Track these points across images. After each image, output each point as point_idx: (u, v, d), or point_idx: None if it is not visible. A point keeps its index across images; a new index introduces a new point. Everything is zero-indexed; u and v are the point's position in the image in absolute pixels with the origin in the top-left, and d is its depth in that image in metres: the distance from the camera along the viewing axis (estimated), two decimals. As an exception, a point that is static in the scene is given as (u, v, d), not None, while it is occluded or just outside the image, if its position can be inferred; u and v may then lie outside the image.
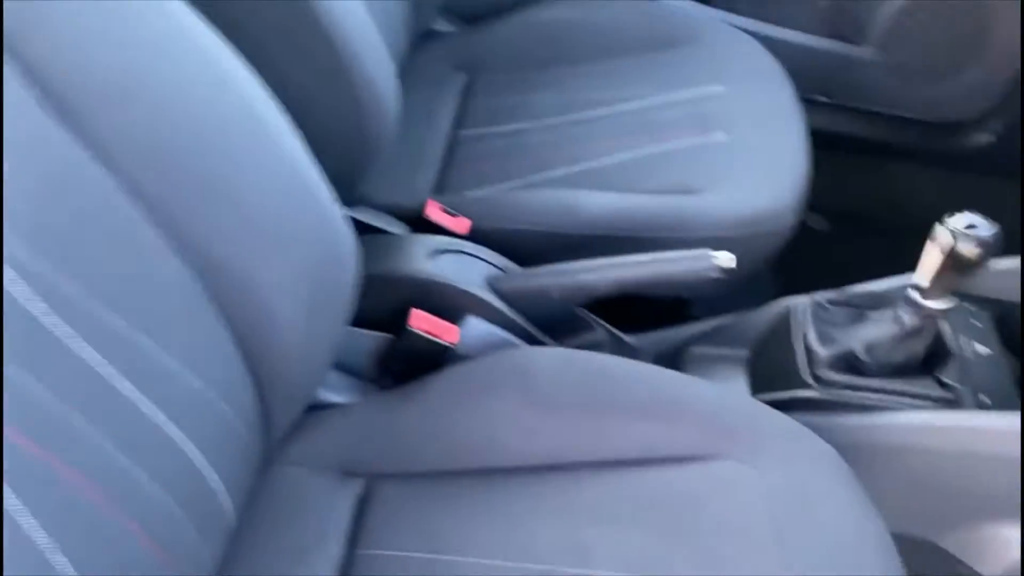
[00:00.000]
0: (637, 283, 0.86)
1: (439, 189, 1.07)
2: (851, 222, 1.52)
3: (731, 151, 1.07)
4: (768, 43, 1.33)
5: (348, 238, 0.68)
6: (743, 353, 0.99)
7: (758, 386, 0.94)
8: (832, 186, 1.50)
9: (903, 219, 1.47)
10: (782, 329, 0.94)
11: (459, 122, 1.19)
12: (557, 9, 1.32)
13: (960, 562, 0.93)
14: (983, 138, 1.47)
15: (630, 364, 0.81)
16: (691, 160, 1.07)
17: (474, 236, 0.95)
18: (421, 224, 0.96)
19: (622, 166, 1.07)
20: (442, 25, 1.35)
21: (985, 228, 0.78)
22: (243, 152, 0.58)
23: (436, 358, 0.82)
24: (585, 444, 0.75)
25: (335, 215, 0.67)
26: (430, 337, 0.81)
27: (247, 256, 0.58)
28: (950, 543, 0.93)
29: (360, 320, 0.83)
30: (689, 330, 1.03)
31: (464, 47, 1.31)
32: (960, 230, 0.78)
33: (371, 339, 0.84)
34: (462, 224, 0.96)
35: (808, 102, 1.45)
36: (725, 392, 0.84)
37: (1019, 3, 1.29)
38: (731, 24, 1.38)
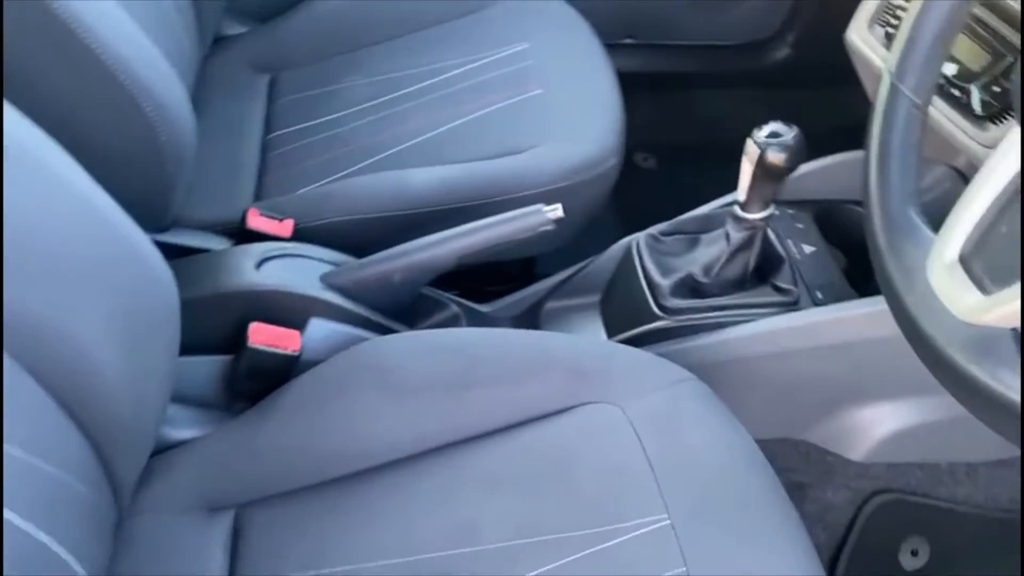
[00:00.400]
0: (476, 251, 0.85)
1: (260, 196, 1.02)
2: (676, 155, 1.57)
3: (548, 104, 1.07)
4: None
5: (159, 265, 0.64)
6: (594, 299, 1.00)
7: (613, 328, 0.96)
8: (653, 123, 1.55)
9: (723, 142, 1.55)
10: (625, 268, 0.96)
11: (270, 125, 1.14)
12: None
13: (827, 452, 0.98)
14: (781, 53, 1.55)
15: (482, 332, 0.81)
16: (511, 119, 1.06)
17: (301, 236, 0.92)
18: (245, 235, 0.92)
19: (444, 137, 1.06)
20: (232, 28, 1.28)
21: (788, 135, 0.81)
22: (27, 199, 0.53)
23: (284, 370, 0.78)
24: (451, 422, 0.74)
25: (140, 245, 0.62)
26: (272, 349, 0.77)
27: (50, 309, 0.53)
28: (815, 436, 0.98)
29: (197, 346, 0.79)
30: (540, 287, 1.03)
31: (261, 47, 1.25)
32: (765, 140, 0.81)
33: (211, 364, 0.79)
34: (286, 227, 0.92)
35: (615, 47, 1.49)
36: (579, 340, 0.85)
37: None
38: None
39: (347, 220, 0.95)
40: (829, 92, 1.50)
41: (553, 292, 1.01)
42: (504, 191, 0.97)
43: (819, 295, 0.89)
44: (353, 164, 1.04)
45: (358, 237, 0.93)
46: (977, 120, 0.76)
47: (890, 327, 0.86)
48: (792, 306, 0.88)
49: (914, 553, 1.00)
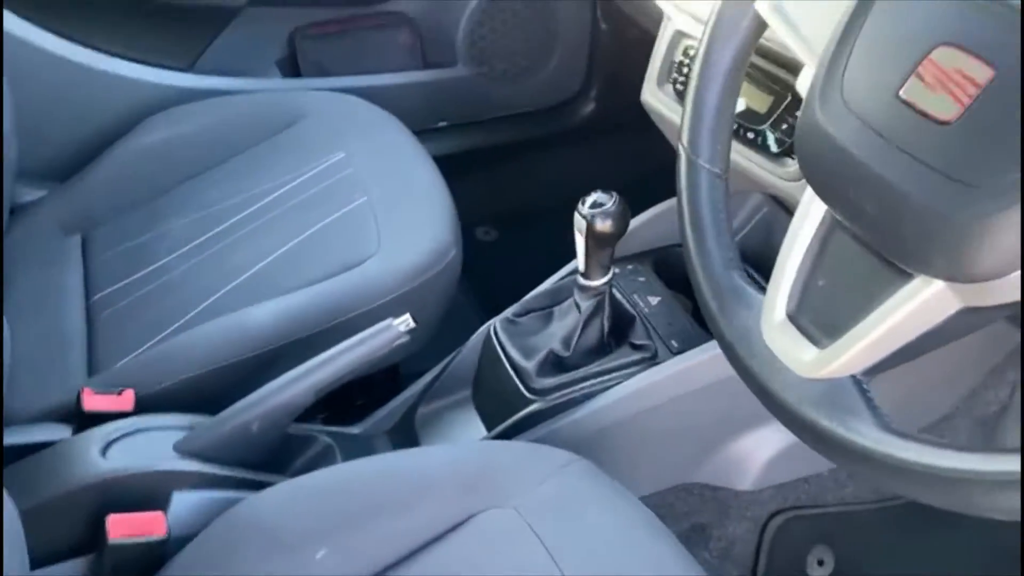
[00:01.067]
0: (332, 382, 0.83)
1: (93, 369, 0.95)
2: (515, 222, 1.60)
3: (375, 210, 1.06)
4: (371, 93, 1.35)
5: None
6: (466, 394, 0.99)
7: (490, 420, 0.95)
8: (486, 197, 1.58)
9: (554, 202, 1.60)
10: (489, 358, 0.96)
11: (90, 288, 1.07)
12: (153, 130, 1.23)
13: (719, 488, 1.01)
14: (587, 109, 1.62)
15: (360, 465, 0.78)
16: (341, 233, 1.05)
17: (145, 405, 0.86)
18: (84, 419, 0.85)
19: (277, 265, 1.03)
20: (29, 193, 1.21)
21: (609, 202, 0.83)
22: None
23: (155, 558, 0.73)
24: (348, 566, 0.71)
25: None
26: (136, 540, 0.72)
27: None
28: (705, 476, 1.00)
29: (50, 556, 0.73)
30: (408, 394, 1.01)
31: (66, 206, 1.18)
32: (590, 212, 0.83)
33: (70, 571, 0.73)
34: (127, 399, 0.86)
35: (430, 132, 1.51)
36: (457, 450, 0.83)
37: None
38: (330, 88, 1.39)
39: (191, 378, 0.90)
40: (639, 137, 1.59)
41: (423, 396, 0.99)
42: (349, 309, 0.95)
43: (674, 343, 0.92)
44: (187, 312, 0.99)
45: (206, 393, 0.89)
46: (775, 157, 0.81)
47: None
48: (652, 360, 0.90)
49: (820, 563, 1.04)
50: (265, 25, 1.38)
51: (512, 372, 0.91)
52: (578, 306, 0.90)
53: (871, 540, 1.06)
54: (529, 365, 0.90)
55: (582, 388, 0.89)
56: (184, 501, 0.77)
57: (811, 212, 0.49)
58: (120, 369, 0.93)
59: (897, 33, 0.43)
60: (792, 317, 0.49)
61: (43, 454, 0.81)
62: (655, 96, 0.94)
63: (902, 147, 0.41)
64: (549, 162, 1.63)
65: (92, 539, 0.74)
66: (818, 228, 0.48)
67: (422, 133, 1.35)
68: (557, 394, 0.89)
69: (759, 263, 1.02)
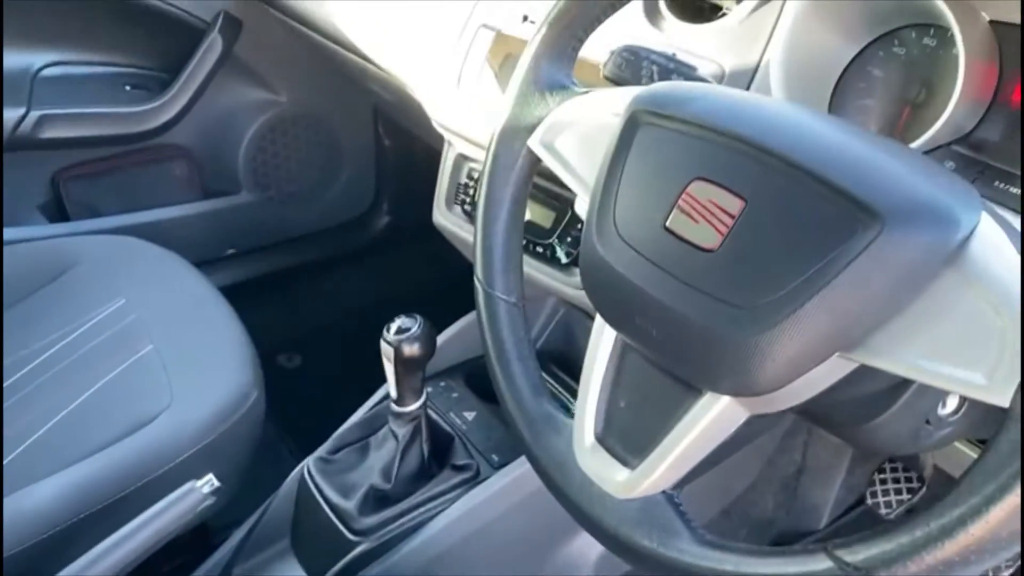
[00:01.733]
0: (133, 560, 0.75)
1: None
2: (318, 344, 1.56)
3: (165, 358, 1.00)
4: (150, 230, 1.29)
5: None
6: (284, 544, 0.93)
7: (314, 569, 0.89)
8: (286, 321, 1.54)
9: (357, 318, 1.59)
10: (305, 503, 0.91)
11: None
12: None
13: (558, 594, 1.00)
14: (381, 222, 1.63)
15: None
16: (129, 387, 0.97)
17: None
18: None
19: (59, 432, 0.93)
20: None
21: (415, 326, 0.83)
22: None
23: None
24: None
25: None
26: None
27: None
28: (544, 584, 0.99)
29: None
30: (221, 555, 0.93)
31: None
32: (396, 338, 0.83)
33: None
34: None
35: (220, 261, 1.46)
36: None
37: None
38: (103, 229, 1.31)
39: (-38, 580, 0.78)
40: (432, 248, 1.62)
41: (238, 554, 0.92)
42: (145, 472, 0.87)
43: (495, 457, 0.92)
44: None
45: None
46: (564, 267, 0.85)
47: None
48: (475, 478, 0.89)
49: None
50: (24, 170, 1.30)
51: (332, 515, 0.87)
52: (395, 434, 0.88)
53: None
54: (349, 505, 0.87)
55: (408, 520, 0.86)
56: None
57: (603, 337, 0.51)
58: None
59: (656, 168, 0.47)
60: (600, 440, 0.50)
61: None
62: (446, 218, 0.96)
63: (675, 275, 0.44)
64: (346, 280, 1.62)
65: None
66: (612, 351, 0.51)
67: (210, 263, 1.31)
68: (383, 531, 0.86)
69: (562, 362, 1.05)
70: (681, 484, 0.48)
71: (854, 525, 1.16)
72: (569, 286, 0.84)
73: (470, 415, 0.97)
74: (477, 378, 1.03)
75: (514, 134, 0.57)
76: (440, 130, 0.94)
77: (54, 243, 1.23)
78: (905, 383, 0.48)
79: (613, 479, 0.49)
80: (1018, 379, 0.35)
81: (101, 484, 0.85)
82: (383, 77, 1.13)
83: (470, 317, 1.07)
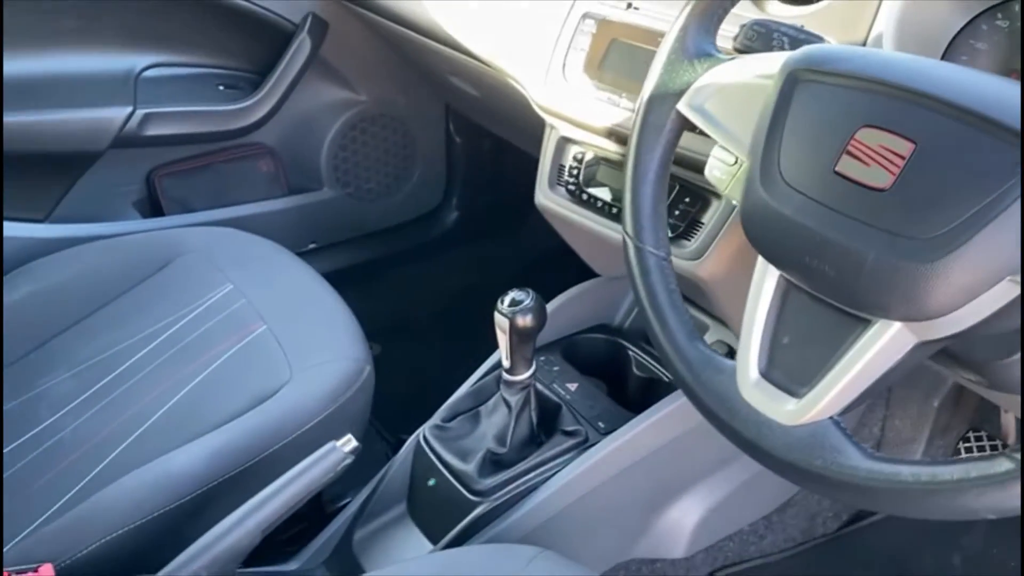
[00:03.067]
0: (280, 516, 0.80)
1: (-6, 546, 0.87)
2: (398, 335, 1.61)
3: (279, 337, 1.05)
4: (237, 223, 1.34)
5: None
6: (401, 509, 0.98)
7: (434, 532, 0.94)
8: (366, 312, 1.59)
9: (434, 310, 1.64)
10: (424, 467, 0.96)
11: (-35, 462, 0.98)
12: (13, 288, 1.16)
13: (656, 560, 1.04)
14: (451, 217, 1.69)
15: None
16: (248, 364, 1.03)
17: (69, 576, 0.79)
18: (-3, 604, 0.77)
19: (186, 406, 0.98)
20: None
21: (528, 298, 0.88)
22: None
23: None
24: None
25: None
26: None
27: None
28: (641, 551, 1.04)
29: None
30: (341, 520, 0.98)
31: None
32: (510, 309, 0.87)
33: None
34: (46, 574, 0.79)
35: (303, 254, 1.52)
36: (413, 566, 0.82)
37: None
38: (196, 223, 1.37)
39: (115, 538, 0.83)
40: (500, 241, 1.68)
41: (357, 520, 0.97)
42: (275, 440, 0.92)
43: (601, 424, 0.96)
44: (92, 468, 0.93)
45: (136, 550, 0.83)
46: (672, 240, 0.89)
47: (668, 432, 0.95)
48: (584, 444, 0.94)
49: (756, 614, 1.09)
50: (122, 168, 1.36)
51: (452, 478, 0.92)
52: (507, 402, 0.93)
53: (795, 584, 1.13)
54: (469, 468, 0.91)
55: (524, 482, 0.91)
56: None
57: (766, 280, 0.55)
58: (28, 543, 0.85)
59: (821, 120, 0.51)
60: (765, 374, 0.54)
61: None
62: (549, 198, 1.01)
63: (848, 214, 0.48)
64: (420, 272, 1.67)
65: None
66: (775, 293, 0.55)
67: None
68: (500, 492, 0.90)
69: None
70: (847, 410, 0.52)
71: None
72: (677, 257, 0.88)
73: (572, 386, 1.02)
74: (575, 354, 1.08)
75: (663, 99, 0.62)
76: (543, 114, 0.98)
77: (158, 235, 1.29)
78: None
79: (781, 408, 0.53)
80: None
81: (236, 451, 0.90)
82: (472, 70, 1.18)
83: (562, 299, 1.11)
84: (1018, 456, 0.43)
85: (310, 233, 1.55)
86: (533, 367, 0.93)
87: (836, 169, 0.49)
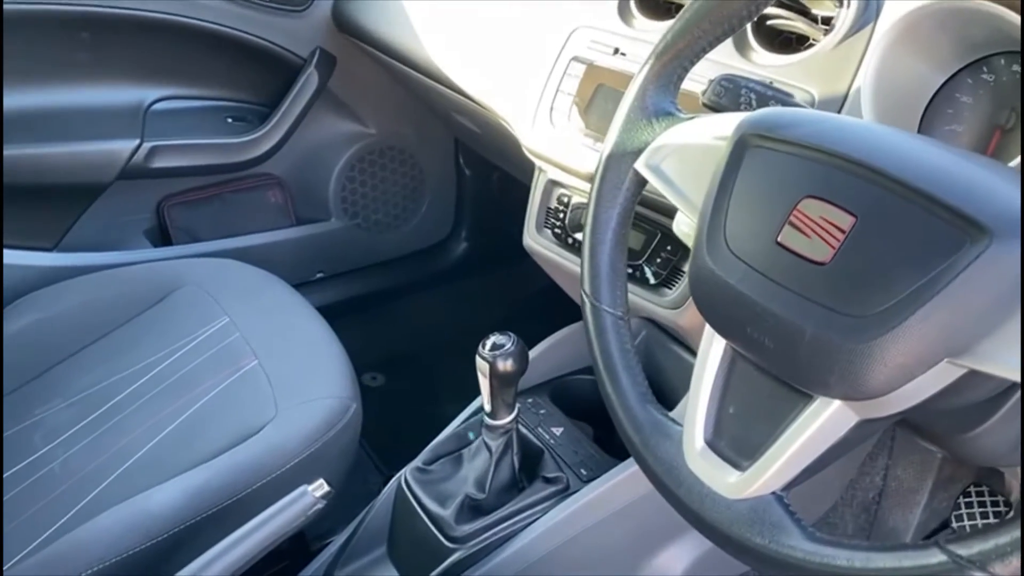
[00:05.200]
0: (250, 559, 0.80)
1: (-26, 579, 0.88)
2: (400, 366, 1.61)
3: (268, 372, 1.05)
4: (245, 253, 1.36)
5: None
6: (381, 551, 0.97)
7: (412, 572, 0.93)
8: (370, 342, 1.60)
9: (436, 341, 1.64)
10: (403, 511, 0.95)
11: (-38, 487, 1.00)
12: (18, 316, 1.18)
13: (643, 607, 1.02)
14: (460, 248, 1.69)
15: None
16: (235, 400, 1.03)
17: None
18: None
19: (170, 442, 0.99)
20: None
21: (509, 342, 0.87)
22: None
23: None
24: None
25: None
26: None
27: None
28: (630, 596, 1.02)
29: None
30: (322, 560, 0.98)
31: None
32: (492, 354, 0.87)
33: None
34: (22, 610, 0.80)
35: (310, 284, 1.53)
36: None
37: None
38: (203, 253, 1.39)
39: (92, 574, 0.84)
40: (509, 272, 1.67)
41: (337, 560, 0.97)
42: (254, 479, 0.92)
43: (583, 471, 0.95)
44: (77, 502, 0.94)
45: (112, 587, 0.84)
46: (653, 288, 0.88)
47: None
48: (565, 491, 0.93)
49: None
50: (132, 198, 1.38)
51: (429, 522, 0.91)
52: (488, 447, 0.92)
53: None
54: (446, 513, 0.91)
55: (502, 529, 0.90)
56: None
57: (712, 347, 0.54)
58: (14, 570, 0.86)
59: (766, 187, 0.50)
60: (710, 444, 0.53)
61: None
62: (536, 241, 1.00)
63: (787, 287, 0.47)
64: (427, 303, 1.67)
65: None
66: (721, 361, 0.54)
67: (300, 286, 1.37)
68: (477, 539, 0.89)
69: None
70: (790, 486, 0.50)
71: (988, 526, 1.15)
72: (658, 305, 0.88)
73: (558, 430, 1.00)
74: (563, 395, 1.07)
75: (621, 157, 0.61)
76: (531, 157, 0.98)
77: (159, 266, 1.31)
78: (1006, 394, 0.50)
79: (724, 480, 0.52)
80: None
81: (214, 489, 0.91)
82: (471, 108, 1.18)
83: (554, 338, 1.10)
84: (954, 549, 0.41)
85: (318, 263, 1.56)
86: (515, 411, 0.92)
87: (778, 240, 0.48)
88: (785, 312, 0.47)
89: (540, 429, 1.00)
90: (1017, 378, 0.41)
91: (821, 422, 0.48)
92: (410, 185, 1.61)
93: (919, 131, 0.72)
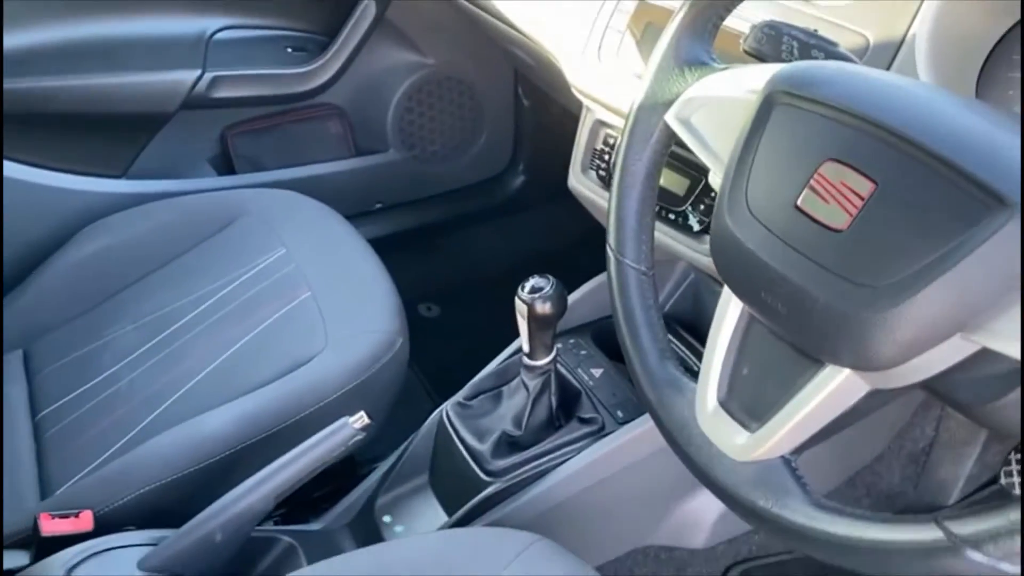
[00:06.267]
0: (291, 485, 0.84)
1: (46, 490, 0.95)
2: (454, 297, 1.64)
3: (321, 305, 1.09)
4: (306, 183, 1.39)
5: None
6: (423, 480, 1.01)
7: (449, 504, 0.97)
8: (427, 273, 1.62)
9: (490, 274, 1.65)
10: (444, 443, 0.98)
11: (36, 404, 1.07)
12: (89, 241, 1.24)
13: (674, 548, 1.04)
14: (516, 182, 1.68)
15: (325, 567, 0.79)
16: (288, 330, 1.07)
17: (104, 523, 0.86)
18: (43, 544, 0.85)
19: (226, 368, 1.04)
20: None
21: (547, 286, 0.88)
22: None
23: None
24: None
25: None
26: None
27: None
28: (660, 539, 1.04)
29: None
30: (366, 485, 1.02)
31: (4, 322, 1.18)
32: (530, 296, 0.88)
33: None
34: (85, 520, 0.86)
35: (368, 214, 1.56)
36: (418, 543, 0.85)
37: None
38: (265, 183, 1.42)
39: (149, 491, 0.90)
40: (566, 208, 1.66)
41: (381, 486, 1.01)
42: (302, 407, 0.96)
43: (620, 414, 0.96)
44: (139, 421, 1.00)
45: (166, 504, 0.89)
46: (696, 235, 0.87)
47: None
48: (600, 432, 0.94)
49: (776, 609, 1.08)
50: (196, 126, 1.41)
51: (467, 456, 0.94)
52: (526, 386, 0.94)
53: (821, 582, 1.10)
54: (484, 448, 0.93)
55: (536, 466, 0.92)
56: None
57: (730, 308, 0.54)
58: (74, 488, 0.93)
59: (790, 148, 0.48)
60: (723, 404, 0.53)
61: (8, 585, 0.80)
62: (580, 182, 0.99)
63: (803, 252, 0.46)
64: (483, 236, 1.68)
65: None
66: (738, 322, 0.53)
67: (359, 216, 1.39)
68: (512, 474, 0.92)
69: (689, 326, 1.07)
70: (799, 450, 0.50)
71: (985, 504, 1.14)
72: (700, 253, 0.86)
73: (597, 372, 1.01)
74: (605, 337, 1.07)
75: (652, 109, 0.60)
76: (579, 96, 0.97)
77: (222, 195, 1.34)
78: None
79: (733, 442, 0.52)
80: None
81: (264, 416, 0.95)
82: (525, 43, 1.16)
83: (600, 278, 1.10)
84: (950, 527, 0.41)
85: (376, 194, 1.58)
86: (553, 353, 0.93)
87: (798, 204, 0.47)
88: (799, 279, 0.46)
89: (580, 370, 1.02)
90: (1028, 358, 0.40)
91: (831, 389, 0.48)
92: (468, 117, 1.60)
93: (979, 83, 0.68)
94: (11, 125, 1.23)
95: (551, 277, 0.89)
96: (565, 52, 0.96)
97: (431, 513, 0.98)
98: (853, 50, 0.72)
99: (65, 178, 1.29)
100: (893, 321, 0.43)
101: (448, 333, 1.59)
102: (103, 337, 1.14)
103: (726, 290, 0.54)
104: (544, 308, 0.88)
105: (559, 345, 0.99)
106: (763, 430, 0.50)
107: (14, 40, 1.23)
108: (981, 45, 0.68)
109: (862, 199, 0.44)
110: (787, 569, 1.09)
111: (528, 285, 0.89)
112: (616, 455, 0.92)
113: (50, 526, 0.85)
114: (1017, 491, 1.10)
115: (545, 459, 0.93)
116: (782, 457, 0.51)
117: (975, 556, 0.40)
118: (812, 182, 0.47)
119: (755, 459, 0.51)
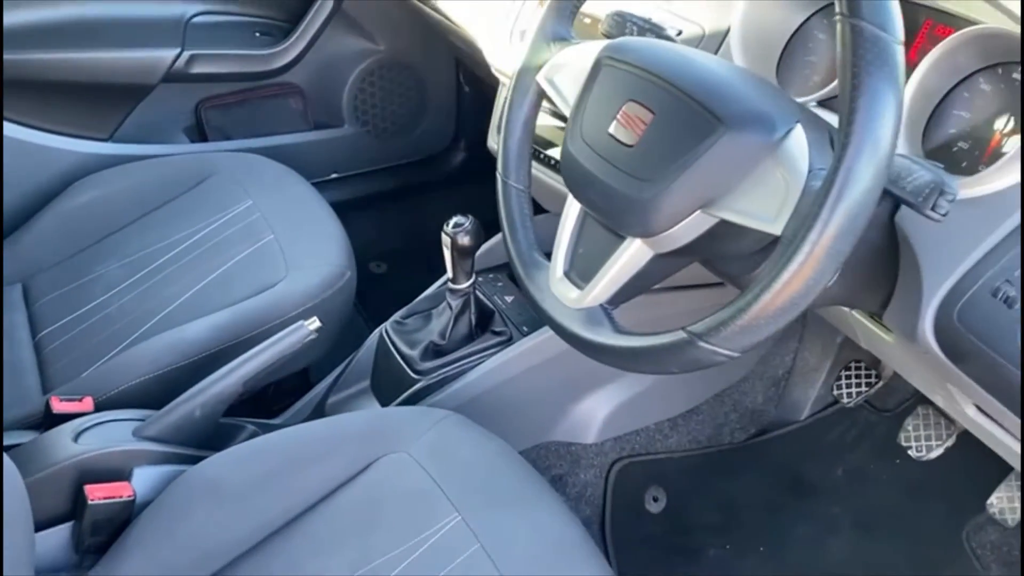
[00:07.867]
0: (257, 373, 1.05)
1: (48, 387, 1.14)
2: (401, 257, 1.86)
3: (282, 245, 1.29)
4: (269, 152, 1.59)
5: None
6: (365, 384, 1.23)
7: (386, 401, 1.19)
8: (377, 236, 1.84)
9: (432, 239, 1.87)
10: (382, 352, 1.20)
11: (35, 327, 1.25)
12: (80, 193, 1.43)
13: (571, 443, 1.28)
14: (458, 158, 1.91)
15: (285, 432, 1.01)
16: (256, 265, 1.28)
17: (103, 408, 1.06)
18: (52, 421, 1.04)
19: (206, 292, 1.24)
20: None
21: (467, 223, 1.10)
22: None
23: (125, 516, 0.93)
24: (282, 505, 0.92)
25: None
26: (110, 501, 0.92)
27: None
28: (559, 435, 1.27)
29: (46, 522, 0.92)
30: (318, 390, 1.24)
31: (5, 261, 1.37)
32: (453, 230, 1.10)
33: (60, 534, 0.92)
34: (87, 404, 1.06)
35: (327, 182, 1.77)
36: (361, 414, 1.07)
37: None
38: (234, 149, 1.62)
39: (139, 382, 1.10)
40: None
41: (331, 390, 1.23)
42: (267, 320, 1.18)
43: (525, 328, 1.19)
44: (128, 335, 1.20)
45: (155, 393, 1.10)
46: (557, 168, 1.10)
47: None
48: (508, 342, 1.17)
49: (655, 499, 1.31)
50: (174, 99, 1.61)
51: (401, 360, 1.16)
52: (450, 305, 1.16)
53: (693, 479, 1.35)
54: (414, 353, 1.16)
55: (456, 367, 1.15)
56: (144, 473, 0.97)
57: (570, 207, 0.77)
58: (77, 383, 1.12)
59: (608, 94, 0.71)
60: (566, 274, 0.76)
61: (25, 446, 1.00)
62: (496, 141, 1.22)
63: (610, 161, 0.69)
64: (428, 204, 1.90)
65: (74, 507, 0.94)
66: (576, 217, 0.76)
67: (317, 184, 1.60)
68: (436, 373, 1.14)
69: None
70: (613, 301, 0.73)
71: (831, 419, 1.39)
72: (559, 183, 1.10)
73: (509, 298, 1.24)
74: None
75: (527, 71, 0.83)
76: (496, 74, 1.19)
77: (196, 157, 1.55)
78: (771, 245, 0.72)
79: (569, 296, 0.75)
80: (787, 218, 0.59)
81: (235, 326, 1.16)
82: (460, 32, 1.39)
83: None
84: (689, 328, 0.64)
85: (332, 164, 1.79)
86: (472, 279, 1.16)
87: (609, 131, 0.70)
88: (608, 179, 0.69)
89: (496, 297, 1.24)
90: (735, 219, 0.63)
91: (629, 255, 0.71)
92: (415, 98, 1.82)
93: (779, 67, 0.92)
94: (12, 91, 1.42)
95: (471, 216, 1.12)
96: (486, 37, 1.19)
97: (371, 408, 1.20)
98: (692, 38, 0.96)
99: (59, 139, 1.48)
100: (659, 201, 0.66)
101: (394, 287, 1.80)
102: (93, 272, 1.33)
103: (569, 198, 0.77)
104: (464, 240, 1.10)
105: (480, 278, 1.21)
106: (588, 287, 0.73)
107: (15, 18, 1.42)
108: (779, 36, 0.92)
109: (645, 124, 0.68)
110: (663, 466, 1.33)
111: (452, 221, 1.11)
112: (521, 359, 1.15)
113: (59, 406, 1.05)
114: (845, 400, 1.35)
115: (463, 361, 1.15)
116: (601, 305, 0.74)
117: (704, 344, 0.62)
118: (619, 116, 0.70)
119: (583, 307, 0.74)
